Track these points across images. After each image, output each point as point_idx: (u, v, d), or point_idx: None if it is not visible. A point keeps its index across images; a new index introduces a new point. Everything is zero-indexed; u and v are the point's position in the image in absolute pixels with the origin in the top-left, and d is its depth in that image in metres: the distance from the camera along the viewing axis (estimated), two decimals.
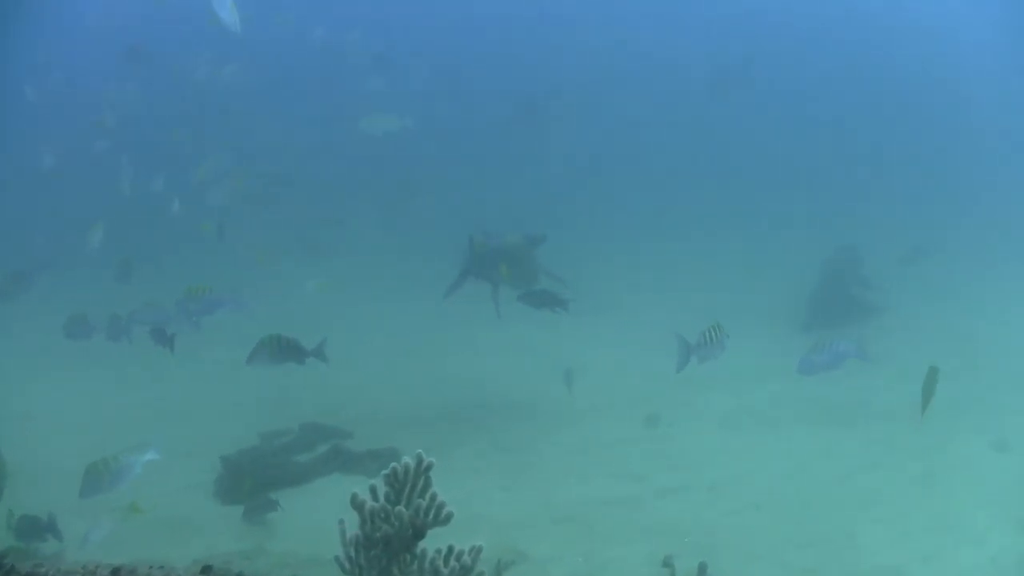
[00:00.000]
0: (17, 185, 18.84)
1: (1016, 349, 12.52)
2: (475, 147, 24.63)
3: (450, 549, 3.49)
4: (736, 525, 7.97)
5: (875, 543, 7.61)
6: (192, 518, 8.72)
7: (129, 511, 7.39)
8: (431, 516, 3.51)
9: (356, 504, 3.49)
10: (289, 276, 16.48)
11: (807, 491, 8.57)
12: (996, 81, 28.55)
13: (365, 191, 19.65)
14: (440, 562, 3.48)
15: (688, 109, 28.02)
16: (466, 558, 3.48)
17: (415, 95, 21.12)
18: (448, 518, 3.53)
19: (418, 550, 3.51)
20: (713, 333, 7.93)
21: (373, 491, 3.53)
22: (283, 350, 8.21)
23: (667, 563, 6.53)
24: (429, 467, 3.54)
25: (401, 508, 3.48)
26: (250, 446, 10.29)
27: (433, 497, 3.53)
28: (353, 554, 3.48)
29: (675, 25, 34.77)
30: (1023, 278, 16.11)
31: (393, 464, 3.56)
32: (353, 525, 3.56)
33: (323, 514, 8.91)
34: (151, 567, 3.48)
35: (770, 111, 28.50)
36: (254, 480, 9.33)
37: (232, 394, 12.20)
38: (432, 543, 3.55)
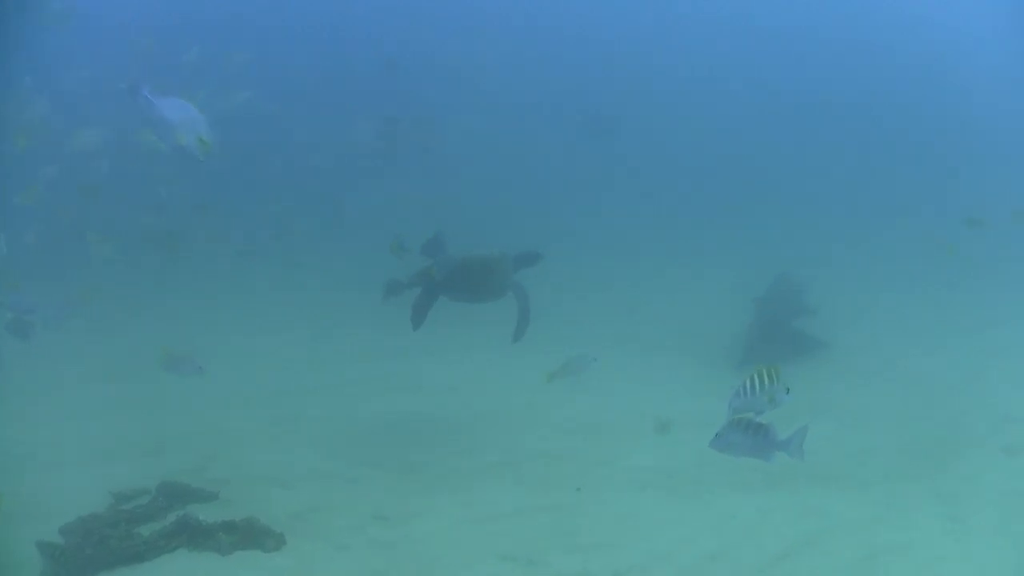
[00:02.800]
0: None
1: (978, 394, 11.30)
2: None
3: None
4: None
5: None
6: None
7: None
8: None
9: None
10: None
11: None
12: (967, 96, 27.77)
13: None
14: None
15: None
16: None
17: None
18: None
19: None
20: (762, 380, 6.17)
21: None
22: None
23: None
24: None
25: None
26: (93, 512, 8.74)
27: None
28: None
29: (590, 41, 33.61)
30: (987, 308, 14.99)
31: None
32: None
33: None
34: None
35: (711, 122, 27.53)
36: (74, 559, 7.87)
37: (99, 438, 10.69)
38: None
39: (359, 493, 9.13)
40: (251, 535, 8.28)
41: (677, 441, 10.02)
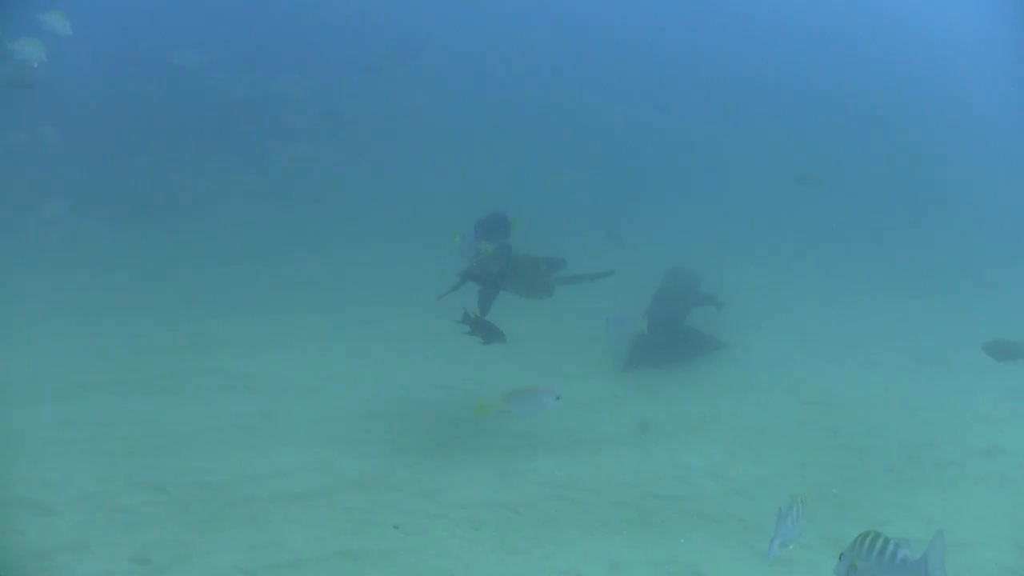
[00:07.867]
0: None
1: (893, 414, 9.78)
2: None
3: None
4: None
5: None
6: None
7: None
8: None
9: None
10: None
11: None
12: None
13: None
14: None
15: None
16: None
17: None
18: None
19: None
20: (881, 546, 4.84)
21: None
22: None
23: None
24: None
25: None
26: None
27: None
28: None
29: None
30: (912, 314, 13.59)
31: None
32: None
33: None
34: None
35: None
36: None
37: None
38: None
39: (129, 525, 7.21)
40: None
41: (527, 469, 8.24)
